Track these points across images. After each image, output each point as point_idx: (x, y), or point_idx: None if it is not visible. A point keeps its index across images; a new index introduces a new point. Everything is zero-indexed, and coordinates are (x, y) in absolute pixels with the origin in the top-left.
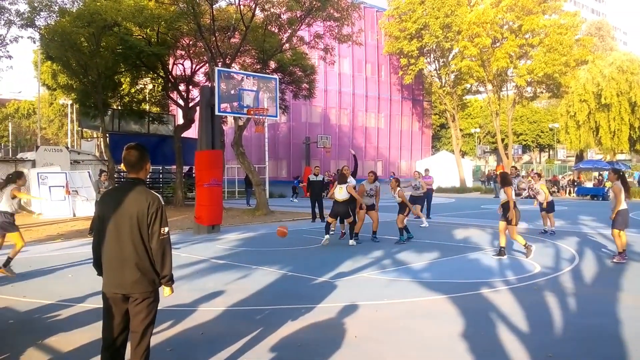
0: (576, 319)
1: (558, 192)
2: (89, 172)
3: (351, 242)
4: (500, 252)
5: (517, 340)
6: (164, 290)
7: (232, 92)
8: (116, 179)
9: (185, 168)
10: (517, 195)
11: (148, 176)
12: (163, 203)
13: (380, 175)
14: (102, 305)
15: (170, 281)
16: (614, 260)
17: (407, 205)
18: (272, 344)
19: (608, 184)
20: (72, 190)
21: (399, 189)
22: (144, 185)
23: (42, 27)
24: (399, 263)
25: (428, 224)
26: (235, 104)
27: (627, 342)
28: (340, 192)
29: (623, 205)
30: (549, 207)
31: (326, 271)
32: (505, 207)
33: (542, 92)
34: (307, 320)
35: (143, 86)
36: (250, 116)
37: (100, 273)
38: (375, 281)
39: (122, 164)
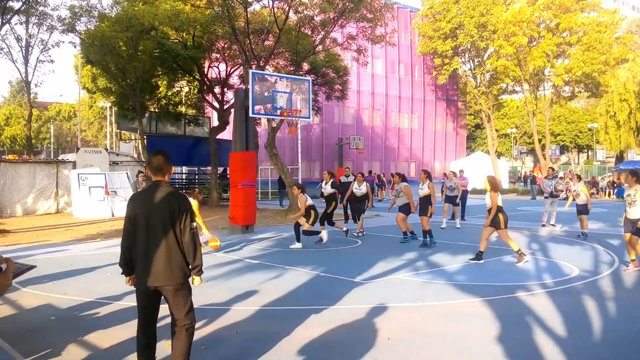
0: (614, 324)
1: (597, 193)
2: (127, 173)
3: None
4: (477, 256)
5: (553, 345)
6: (194, 280)
7: (266, 94)
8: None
9: (220, 169)
10: (554, 196)
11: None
12: (189, 200)
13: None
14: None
15: (200, 271)
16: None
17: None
18: (305, 343)
19: None
20: (111, 191)
21: (428, 181)
22: (169, 186)
23: (83, 32)
24: (433, 265)
25: (461, 225)
26: (268, 105)
27: None
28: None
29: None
30: (584, 210)
31: (359, 272)
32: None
33: (580, 92)
34: (339, 321)
35: (179, 89)
36: (283, 118)
37: (125, 272)
38: (409, 283)
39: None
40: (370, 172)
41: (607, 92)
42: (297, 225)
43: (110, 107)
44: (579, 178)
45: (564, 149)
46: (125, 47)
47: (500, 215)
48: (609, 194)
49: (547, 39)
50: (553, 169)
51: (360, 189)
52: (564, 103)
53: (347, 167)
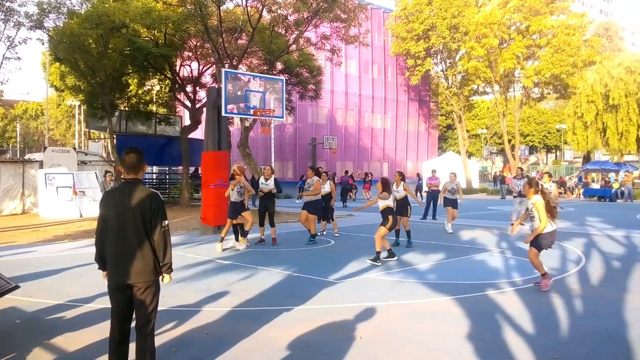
0: (582, 321)
1: (565, 193)
2: (96, 173)
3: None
4: (375, 258)
5: (522, 342)
6: (164, 278)
7: (239, 93)
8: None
9: (192, 169)
10: (523, 196)
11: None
12: (162, 199)
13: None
14: (109, 306)
15: (169, 269)
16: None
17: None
18: (277, 344)
19: (616, 185)
20: (79, 191)
21: (402, 183)
22: (142, 184)
23: (51, 29)
24: (405, 264)
25: (433, 225)
26: (241, 105)
27: (633, 344)
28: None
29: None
30: None
31: (332, 272)
32: (384, 212)
33: (549, 93)
34: (312, 321)
35: (150, 87)
36: (256, 117)
37: (101, 267)
38: (381, 282)
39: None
40: (346, 172)
41: (575, 94)
42: (238, 225)
43: (79, 106)
44: (550, 176)
45: (533, 149)
46: (95, 45)
47: (390, 218)
48: (578, 194)
49: (517, 41)
50: (522, 169)
51: (324, 187)
52: (534, 104)
53: (320, 167)
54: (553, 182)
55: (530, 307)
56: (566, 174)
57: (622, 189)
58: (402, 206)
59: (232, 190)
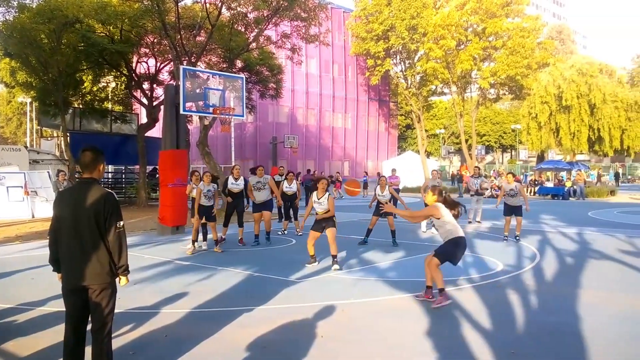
0: (537, 316)
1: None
2: (48, 172)
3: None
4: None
5: (480, 337)
6: (121, 280)
7: (198, 91)
8: (77, 179)
9: (149, 168)
10: (480, 194)
11: (102, 175)
12: (117, 199)
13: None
14: (62, 309)
15: (126, 271)
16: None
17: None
18: (237, 344)
19: (568, 184)
20: (31, 191)
21: (387, 186)
22: (98, 184)
23: (0, 23)
24: (365, 262)
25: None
26: (200, 103)
27: (585, 337)
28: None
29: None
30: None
31: (293, 271)
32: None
33: (504, 94)
34: (273, 320)
35: (106, 84)
36: (216, 115)
37: (56, 269)
38: (342, 281)
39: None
40: (308, 170)
41: (529, 95)
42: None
43: (31, 103)
44: (514, 176)
45: (489, 149)
46: (48, 40)
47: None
48: (532, 192)
49: (474, 42)
50: (479, 168)
51: (291, 187)
52: (490, 105)
53: (281, 166)
54: (516, 182)
55: (487, 303)
56: (521, 173)
57: (575, 187)
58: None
59: (193, 192)
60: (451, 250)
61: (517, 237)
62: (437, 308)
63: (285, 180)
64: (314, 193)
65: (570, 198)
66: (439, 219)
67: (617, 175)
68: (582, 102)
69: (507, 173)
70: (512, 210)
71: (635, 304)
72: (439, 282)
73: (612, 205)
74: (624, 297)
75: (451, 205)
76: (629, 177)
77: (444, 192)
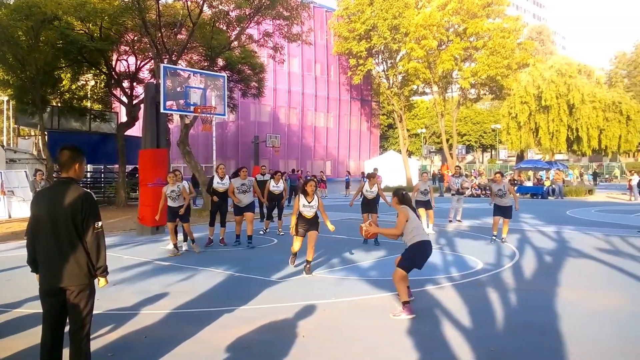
0: (517, 313)
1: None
2: (25, 171)
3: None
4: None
5: (460, 335)
6: (99, 281)
7: (179, 89)
8: (55, 179)
9: (129, 167)
10: (460, 194)
11: (82, 175)
12: (95, 199)
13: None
14: (39, 310)
15: (104, 272)
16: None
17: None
18: (219, 346)
19: (547, 183)
20: (8, 191)
21: (377, 184)
22: (75, 184)
23: None
24: (347, 262)
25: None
26: (181, 101)
27: (565, 335)
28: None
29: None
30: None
31: (274, 271)
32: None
33: (485, 94)
34: (254, 321)
35: (85, 82)
36: (197, 114)
37: (34, 270)
38: (324, 280)
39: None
40: (293, 170)
41: (509, 95)
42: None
43: (8, 101)
44: (502, 175)
45: (469, 149)
46: (25, 37)
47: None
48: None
49: (455, 43)
50: (460, 167)
51: (277, 186)
52: (470, 105)
53: (263, 165)
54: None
55: (467, 301)
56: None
57: (553, 186)
58: (374, 204)
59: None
60: (417, 255)
61: (503, 239)
62: (395, 316)
63: (272, 180)
64: (301, 196)
65: (549, 197)
66: (406, 221)
67: (595, 175)
68: (561, 102)
69: (495, 172)
70: (501, 211)
71: (612, 301)
72: (403, 294)
73: (590, 204)
74: (601, 295)
75: (408, 203)
76: (607, 176)
77: (401, 191)
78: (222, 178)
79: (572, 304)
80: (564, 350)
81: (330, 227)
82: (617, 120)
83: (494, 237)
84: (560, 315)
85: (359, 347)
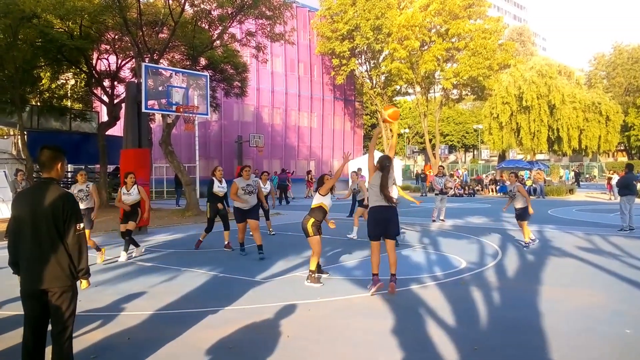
0: (500, 312)
1: (482, 190)
2: (4, 171)
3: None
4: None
5: (444, 334)
6: (82, 284)
7: (160, 88)
8: (35, 179)
9: (110, 167)
10: (444, 193)
11: (63, 175)
12: (76, 200)
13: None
14: (20, 312)
15: (87, 274)
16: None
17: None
18: (203, 347)
19: (529, 183)
20: None
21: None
22: (57, 185)
23: None
24: (332, 261)
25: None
26: (163, 101)
27: (547, 333)
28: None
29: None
30: (525, 214)
31: (258, 271)
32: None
33: (467, 95)
34: (239, 321)
35: (65, 81)
36: (179, 114)
37: (16, 271)
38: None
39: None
40: (283, 170)
41: (491, 96)
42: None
43: None
44: (516, 176)
45: (452, 149)
46: (3, 35)
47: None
48: (494, 191)
49: (437, 43)
50: (442, 167)
51: (265, 187)
52: (453, 105)
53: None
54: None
55: (450, 300)
56: (483, 172)
57: (535, 186)
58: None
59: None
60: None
61: (524, 244)
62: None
63: (259, 180)
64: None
65: (530, 197)
66: None
67: (577, 175)
68: (542, 102)
69: (509, 173)
70: (517, 214)
71: (593, 299)
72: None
73: (571, 204)
74: (582, 293)
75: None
76: (587, 176)
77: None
78: (221, 181)
79: (554, 302)
80: (546, 348)
81: (330, 224)
82: (597, 120)
83: (526, 244)
84: (543, 313)
85: (344, 346)
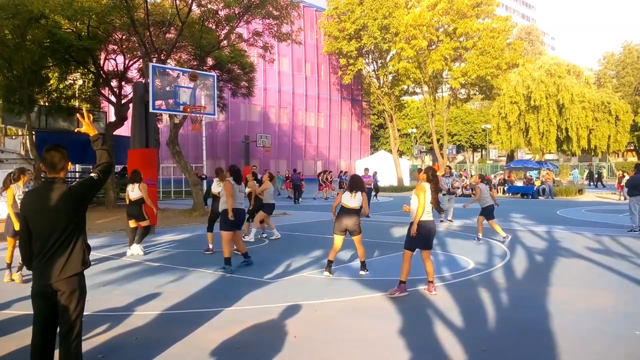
0: (508, 313)
1: (490, 190)
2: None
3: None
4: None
5: (452, 335)
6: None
7: (168, 88)
8: (42, 179)
9: (118, 167)
10: (451, 193)
11: (67, 175)
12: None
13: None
14: (28, 312)
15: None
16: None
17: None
18: (210, 347)
19: (537, 183)
20: None
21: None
22: (63, 183)
23: None
24: (339, 262)
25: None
26: (170, 101)
27: (555, 334)
28: (133, 191)
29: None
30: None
31: (265, 272)
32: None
33: (475, 94)
34: (246, 322)
35: (72, 82)
36: (186, 114)
37: (30, 267)
38: (315, 280)
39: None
40: (294, 170)
41: (499, 95)
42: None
43: None
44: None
45: (460, 149)
46: (12, 36)
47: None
48: (503, 191)
49: (445, 43)
50: (450, 167)
51: (242, 189)
52: (460, 105)
53: (254, 166)
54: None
55: (458, 301)
56: (491, 172)
57: (543, 186)
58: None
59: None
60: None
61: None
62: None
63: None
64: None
65: (539, 197)
66: None
67: (590, 175)
68: (551, 102)
69: (477, 175)
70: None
71: (602, 300)
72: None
73: (580, 204)
74: (591, 294)
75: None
76: (595, 176)
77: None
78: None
79: (562, 303)
80: (554, 350)
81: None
82: (606, 120)
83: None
84: (551, 314)
85: (351, 347)
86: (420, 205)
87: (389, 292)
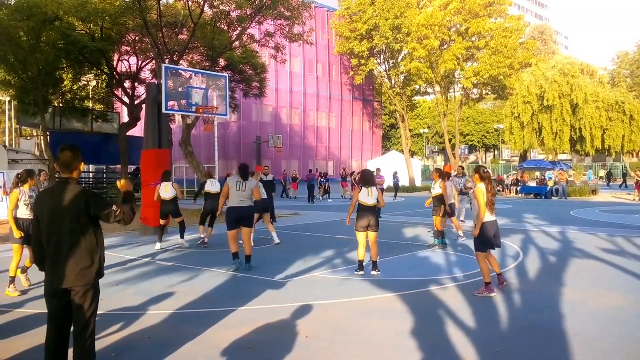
0: (521, 314)
1: (503, 191)
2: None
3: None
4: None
5: (464, 336)
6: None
7: (180, 89)
8: (57, 179)
9: (131, 167)
10: (464, 193)
11: (80, 175)
12: (96, 192)
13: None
14: (42, 310)
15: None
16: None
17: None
18: (222, 346)
19: (550, 183)
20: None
21: (440, 180)
22: (76, 183)
23: None
24: (350, 262)
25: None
26: (183, 101)
27: (569, 335)
28: (167, 191)
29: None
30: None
31: (277, 271)
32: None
33: (487, 94)
34: (257, 321)
35: (86, 83)
36: (198, 114)
37: (42, 268)
38: (326, 280)
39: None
40: (310, 170)
41: (512, 95)
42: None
43: (9, 101)
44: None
45: (472, 149)
46: (26, 37)
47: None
48: (516, 192)
49: (457, 42)
50: (462, 167)
51: (214, 185)
52: (473, 104)
53: (266, 166)
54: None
55: (470, 302)
56: (504, 172)
57: (557, 186)
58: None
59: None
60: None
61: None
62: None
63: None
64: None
65: (552, 197)
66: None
67: (609, 175)
68: (564, 102)
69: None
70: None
71: (615, 302)
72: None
73: (594, 204)
74: (605, 295)
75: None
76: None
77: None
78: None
79: (576, 304)
80: (567, 351)
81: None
82: (621, 120)
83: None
84: (564, 315)
85: (363, 347)
86: (481, 207)
87: (475, 292)
